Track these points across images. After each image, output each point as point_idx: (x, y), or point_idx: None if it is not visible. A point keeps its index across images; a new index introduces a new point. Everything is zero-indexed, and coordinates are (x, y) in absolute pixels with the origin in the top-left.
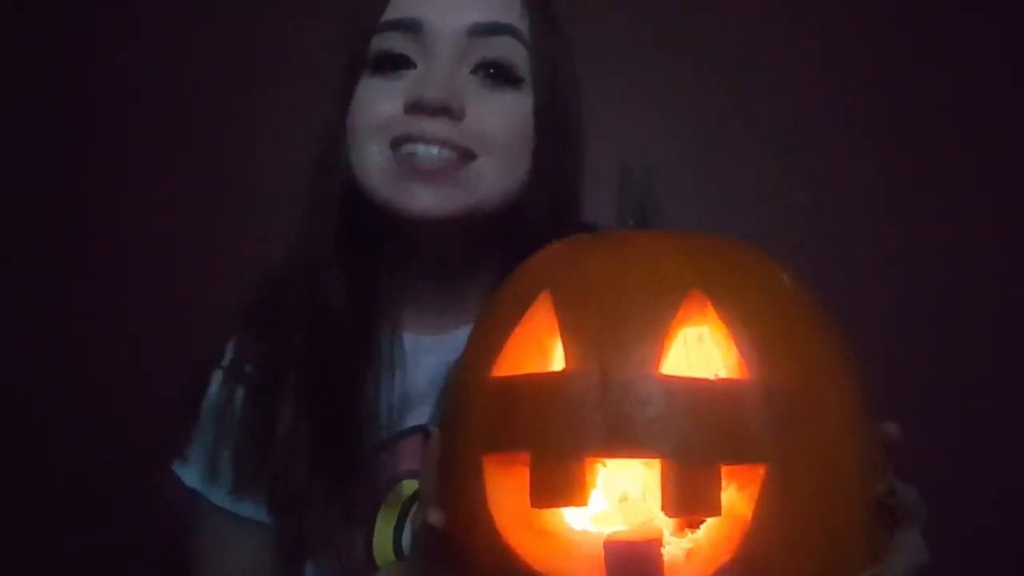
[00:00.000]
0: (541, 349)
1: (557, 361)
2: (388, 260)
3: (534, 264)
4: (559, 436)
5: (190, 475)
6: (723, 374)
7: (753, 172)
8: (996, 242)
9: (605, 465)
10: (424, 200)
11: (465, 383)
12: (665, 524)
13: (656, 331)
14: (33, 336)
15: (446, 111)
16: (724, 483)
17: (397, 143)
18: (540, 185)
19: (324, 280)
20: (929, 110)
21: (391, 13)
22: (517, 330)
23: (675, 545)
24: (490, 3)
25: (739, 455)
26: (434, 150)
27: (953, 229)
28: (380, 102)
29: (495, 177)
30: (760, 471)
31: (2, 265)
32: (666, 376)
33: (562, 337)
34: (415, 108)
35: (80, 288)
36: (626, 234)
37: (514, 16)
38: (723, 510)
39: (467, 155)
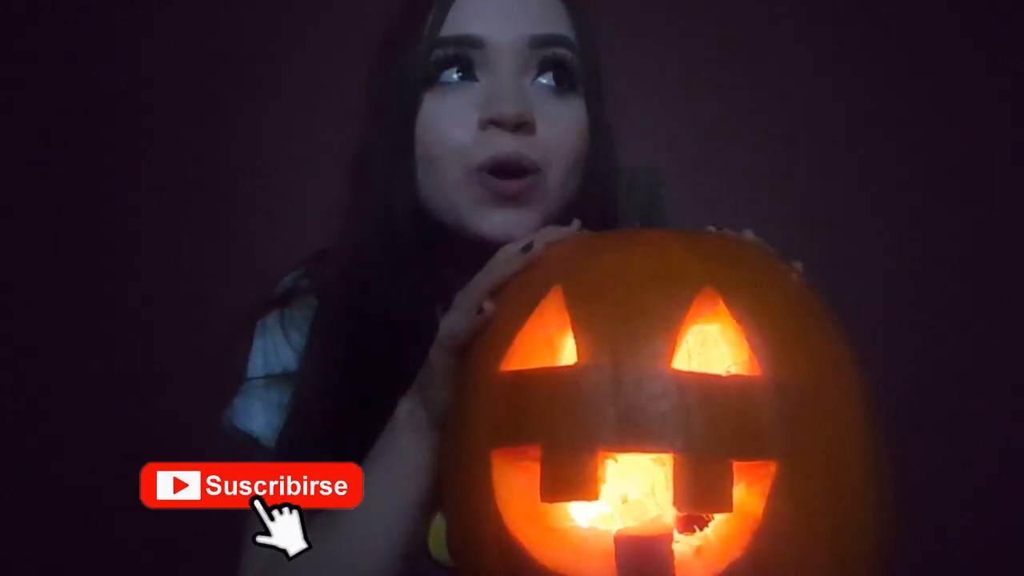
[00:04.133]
0: (550, 344)
1: (567, 356)
2: (443, 253)
3: (544, 260)
4: (571, 430)
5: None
6: (734, 371)
7: (753, 173)
8: (995, 242)
9: (616, 460)
10: (503, 225)
11: (473, 378)
12: (672, 523)
13: (669, 326)
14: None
15: (523, 125)
16: (734, 480)
17: (484, 168)
18: (592, 186)
19: (378, 273)
20: (928, 111)
21: (451, 29)
22: (527, 325)
23: (684, 543)
24: (544, 16)
25: (750, 451)
26: (512, 182)
27: (954, 230)
28: (453, 124)
29: (562, 187)
30: (771, 468)
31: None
32: (679, 371)
33: (574, 331)
34: (493, 124)
35: (87, 285)
36: (638, 232)
37: (565, 27)
38: (734, 507)
39: (538, 171)
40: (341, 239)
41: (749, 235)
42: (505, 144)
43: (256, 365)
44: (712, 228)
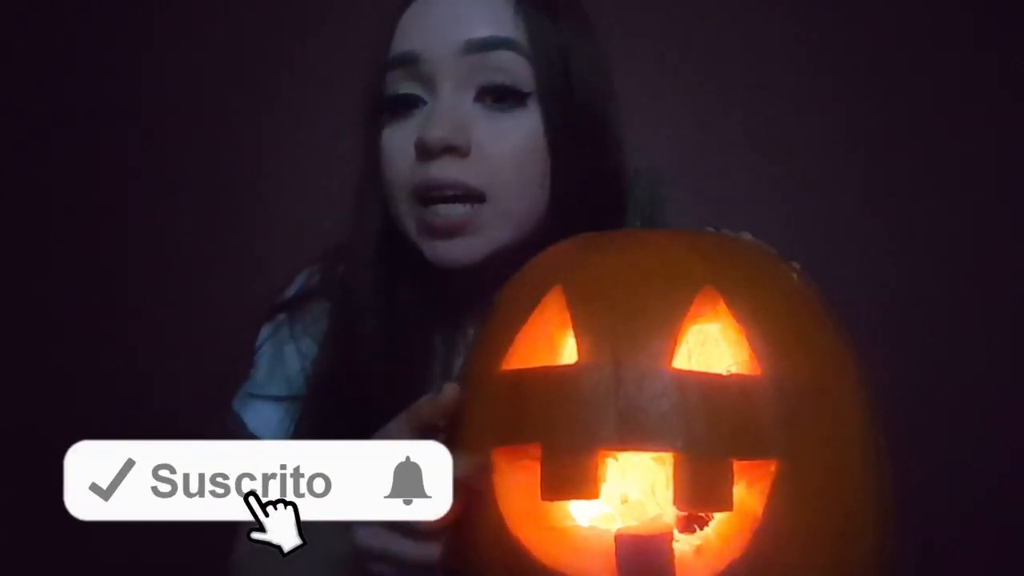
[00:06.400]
0: (551, 343)
1: (567, 355)
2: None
3: (545, 260)
4: (572, 429)
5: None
6: (734, 370)
7: (753, 173)
8: (995, 242)
9: (616, 459)
10: (447, 255)
11: (474, 377)
12: (672, 522)
13: (669, 326)
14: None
15: (450, 150)
16: (735, 479)
17: (416, 195)
18: (569, 197)
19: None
20: (929, 111)
21: (394, 48)
22: (528, 324)
23: (685, 542)
24: (480, 19)
25: (750, 450)
26: (448, 194)
27: (954, 230)
28: (398, 154)
29: (511, 213)
30: (771, 467)
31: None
32: (679, 370)
33: (575, 331)
34: (422, 152)
35: (87, 285)
36: (638, 232)
37: (508, 27)
38: (734, 506)
39: (478, 199)
40: (344, 248)
41: (747, 236)
42: (432, 170)
43: (262, 376)
44: (711, 229)
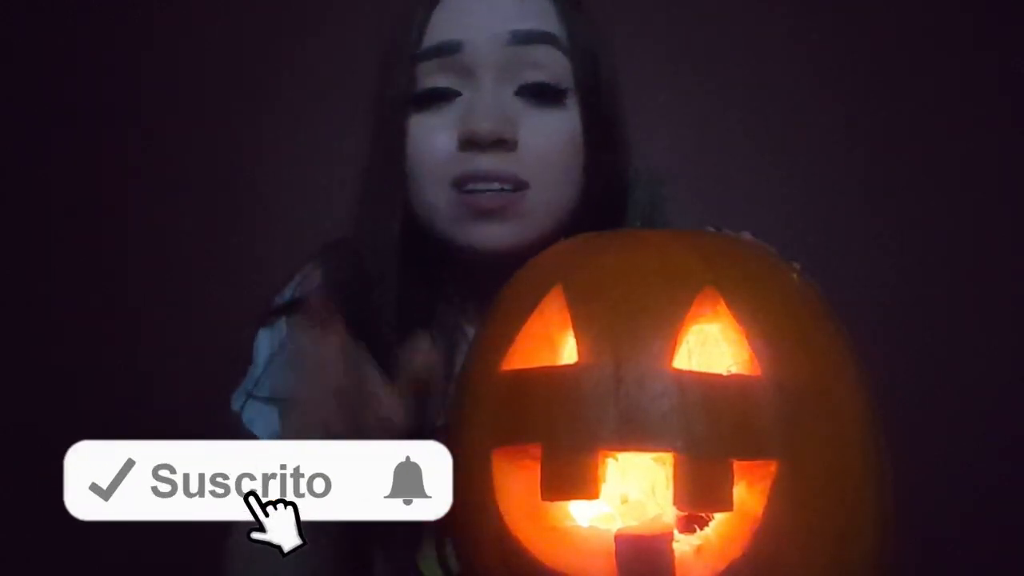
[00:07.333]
0: (551, 343)
1: (567, 355)
2: (447, 269)
3: (545, 259)
4: (572, 429)
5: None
6: (735, 370)
7: (753, 173)
8: (995, 242)
9: (616, 459)
10: (490, 236)
11: (474, 377)
12: (672, 522)
13: (670, 326)
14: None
15: (500, 143)
16: (735, 479)
17: (458, 184)
18: (594, 195)
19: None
20: (928, 111)
21: (431, 39)
22: (528, 324)
23: (685, 542)
24: (525, 11)
25: (751, 451)
26: (495, 186)
27: (954, 230)
28: (434, 142)
29: (551, 204)
30: (771, 467)
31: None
32: (679, 370)
33: (575, 330)
34: (469, 144)
35: (87, 285)
36: (639, 232)
37: (551, 24)
38: (734, 506)
39: (522, 187)
40: (342, 244)
41: (747, 236)
42: (481, 162)
43: (263, 379)
44: (711, 228)
